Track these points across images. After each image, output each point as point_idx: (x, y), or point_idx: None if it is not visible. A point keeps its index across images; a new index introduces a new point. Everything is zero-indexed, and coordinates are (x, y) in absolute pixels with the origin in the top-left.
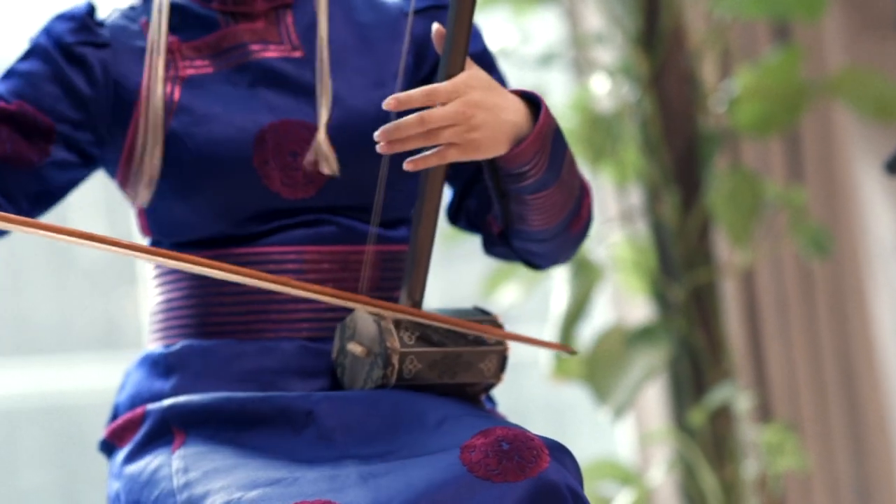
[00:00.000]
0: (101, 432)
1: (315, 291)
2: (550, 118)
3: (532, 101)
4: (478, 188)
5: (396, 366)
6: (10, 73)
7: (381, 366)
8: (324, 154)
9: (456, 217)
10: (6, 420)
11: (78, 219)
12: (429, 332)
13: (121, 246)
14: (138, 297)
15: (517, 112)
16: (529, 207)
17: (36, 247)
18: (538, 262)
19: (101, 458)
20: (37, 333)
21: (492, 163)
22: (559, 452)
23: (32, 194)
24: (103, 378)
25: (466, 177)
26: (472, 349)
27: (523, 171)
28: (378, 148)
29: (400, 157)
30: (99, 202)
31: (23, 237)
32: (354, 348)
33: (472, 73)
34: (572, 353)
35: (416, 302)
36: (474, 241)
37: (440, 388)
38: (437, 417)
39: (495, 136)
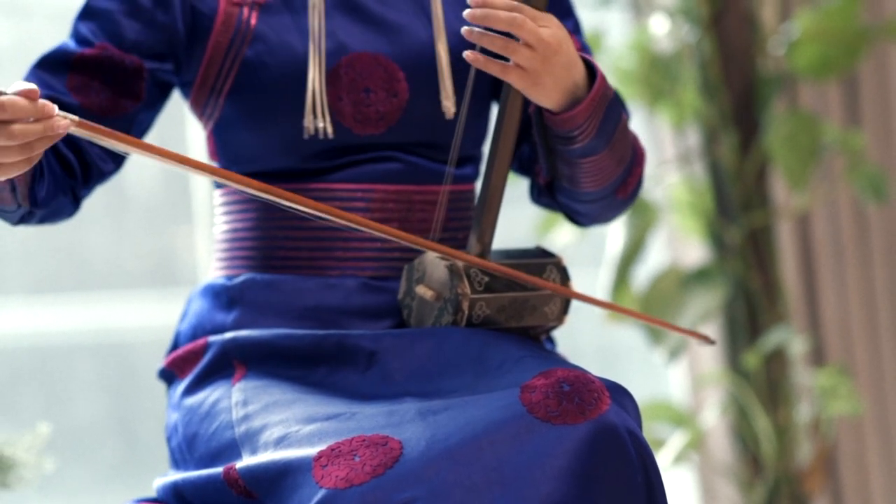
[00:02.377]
0: (155, 368)
1: (389, 232)
2: (606, 88)
3: (590, 69)
4: (531, 136)
5: (466, 311)
6: (88, 13)
7: (450, 311)
8: (446, 93)
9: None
10: (62, 355)
11: None
12: (495, 278)
13: (206, 170)
14: (194, 234)
15: (580, 74)
16: (576, 169)
17: None
18: (580, 220)
19: (154, 394)
20: (92, 270)
21: (541, 121)
22: (619, 394)
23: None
24: (158, 315)
25: (524, 121)
26: (538, 293)
27: (571, 135)
28: (462, 29)
29: (472, 102)
30: (151, 134)
31: None
32: (424, 292)
33: (556, 19)
34: (710, 342)
35: (486, 245)
36: (526, 184)
37: (505, 331)
38: (498, 356)
39: (557, 84)
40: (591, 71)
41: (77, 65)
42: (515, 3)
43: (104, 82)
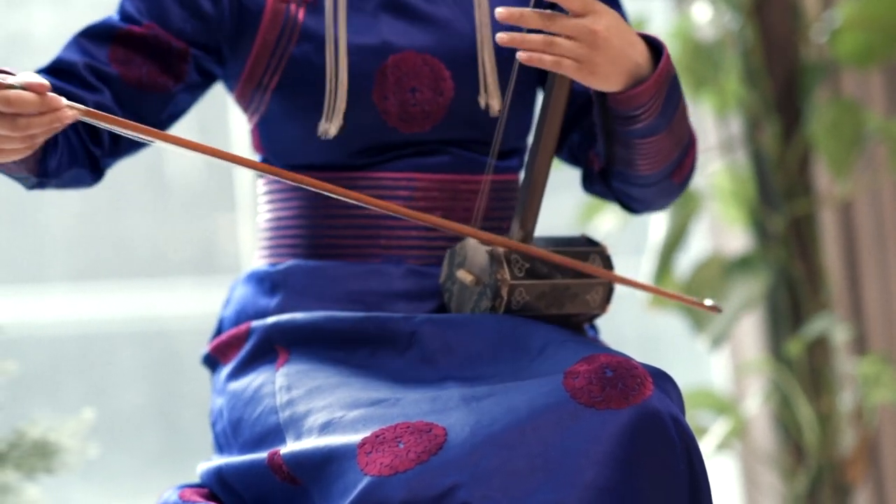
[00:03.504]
0: (196, 356)
1: (428, 220)
2: (670, 66)
3: (654, 47)
4: (584, 122)
5: (505, 297)
6: None
7: (489, 297)
8: (490, 92)
9: (558, 148)
10: (105, 342)
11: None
12: (538, 263)
13: (241, 162)
14: (236, 222)
15: (641, 54)
16: (635, 151)
17: (134, 171)
18: (634, 205)
19: (196, 381)
20: (135, 258)
21: (603, 102)
22: (662, 380)
23: (164, 118)
24: (200, 303)
25: (574, 109)
26: (580, 281)
27: (635, 114)
28: (497, 37)
29: (516, 91)
30: (192, 122)
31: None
32: (464, 276)
33: (606, 6)
34: (717, 311)
35: (528, 232)
36: (572, 171)
37: (546, 318)
38: (540, 342)
39: (615, 68)
40: (652, 47)
41: (121, 38)
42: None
43: (147, 58)
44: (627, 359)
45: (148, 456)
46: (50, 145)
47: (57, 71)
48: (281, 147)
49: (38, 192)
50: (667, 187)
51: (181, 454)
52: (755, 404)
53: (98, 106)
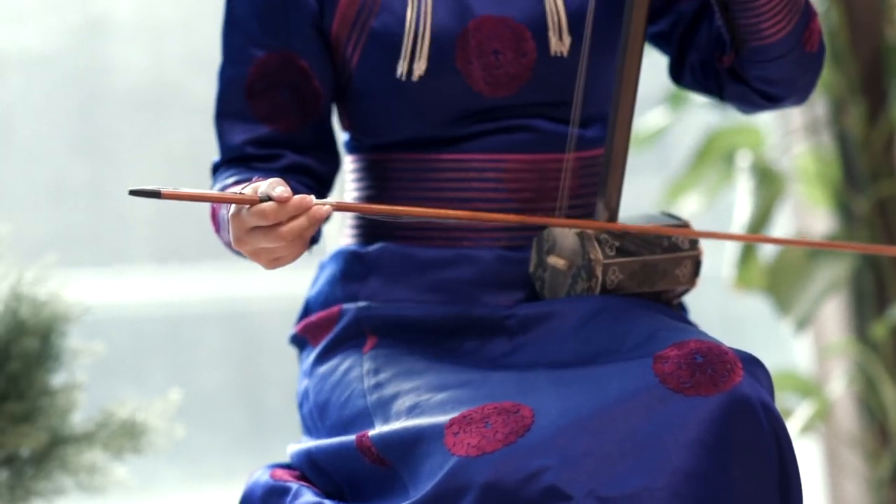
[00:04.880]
0: (280, 338)
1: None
2: None
3: None
4: (696, 40)
5: (600, 277)
6: (232, 23)
7: (585, 278)
8: (558, 31)
9: (680, 74)
10: (190, 323)
11: None
12: (626, 242)
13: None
14: None
15: None
16: (756, 13)
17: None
18: (778, 90)
19: (280, 362)
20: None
21: None
22: (752, 366)
23: (331, 129)
24: (284, 283)
25: (682, 31)
26: (669, 256)
27: None
28: None
29: (596, 51)
30: None
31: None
32: (556, 261)
33: None
34: None
35: (613, 210)
36: (652, 155)
37: (638, 297)
38: (632, 329)
39: None
40: None
41: (252, 92)
42: None
43: (283, 94)
44: (718, 344)
45: (233, 436)
46: None
47: (231, 160)
48: (368, 123)
49: (118, 174)
50: (802, 58)
51: (266, 435)
52: (839, 387)
53: (293, 165)
